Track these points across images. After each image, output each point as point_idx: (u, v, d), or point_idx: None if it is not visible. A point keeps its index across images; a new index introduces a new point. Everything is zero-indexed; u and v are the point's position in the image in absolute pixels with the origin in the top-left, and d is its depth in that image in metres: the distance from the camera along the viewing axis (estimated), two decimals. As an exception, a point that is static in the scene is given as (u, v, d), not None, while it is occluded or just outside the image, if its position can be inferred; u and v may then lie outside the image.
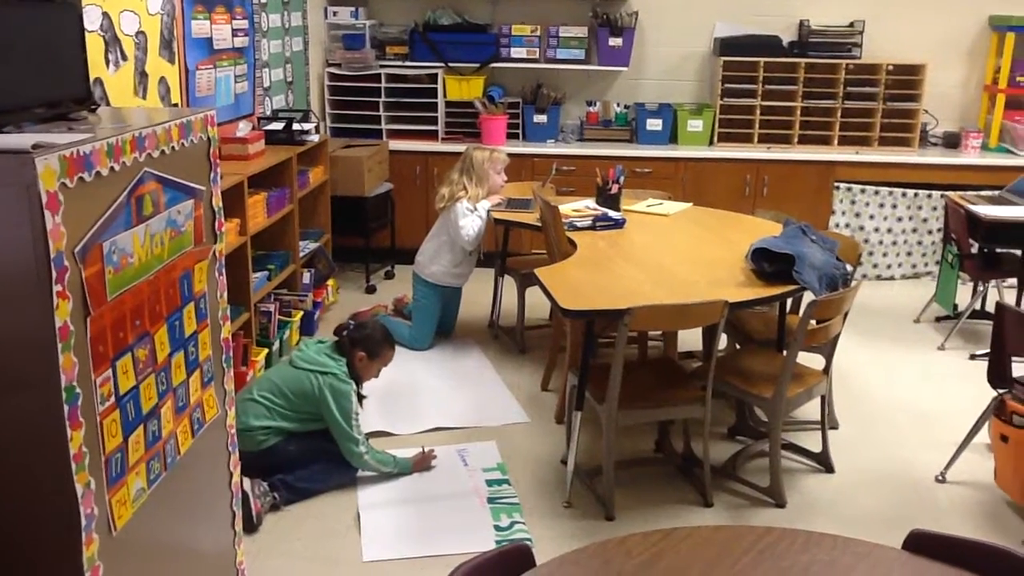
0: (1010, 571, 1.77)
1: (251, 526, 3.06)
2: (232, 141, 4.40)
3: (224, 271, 2.43)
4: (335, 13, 6.13)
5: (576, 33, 6.14)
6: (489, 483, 3.41)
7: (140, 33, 3.61)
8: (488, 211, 4.53)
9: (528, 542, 3.02)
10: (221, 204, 2.39)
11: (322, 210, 5.38)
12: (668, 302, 3.10)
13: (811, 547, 1.83)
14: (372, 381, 3.63)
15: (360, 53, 6.11)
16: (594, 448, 3.53)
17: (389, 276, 5.88)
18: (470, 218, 4.50)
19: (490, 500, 3.29)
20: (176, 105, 3.98)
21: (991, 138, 6.03)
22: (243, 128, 4.62)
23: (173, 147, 2.08)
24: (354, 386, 3.38)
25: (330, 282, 5.22)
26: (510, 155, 5.86)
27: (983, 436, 3.53)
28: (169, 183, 2.07)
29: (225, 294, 2.44)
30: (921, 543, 1.85)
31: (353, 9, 6.11)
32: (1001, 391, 3.32)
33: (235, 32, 4.61)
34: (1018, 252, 4.83)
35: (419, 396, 4.17)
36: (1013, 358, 3.33)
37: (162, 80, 3.83)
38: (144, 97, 3.68)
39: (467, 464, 3.55)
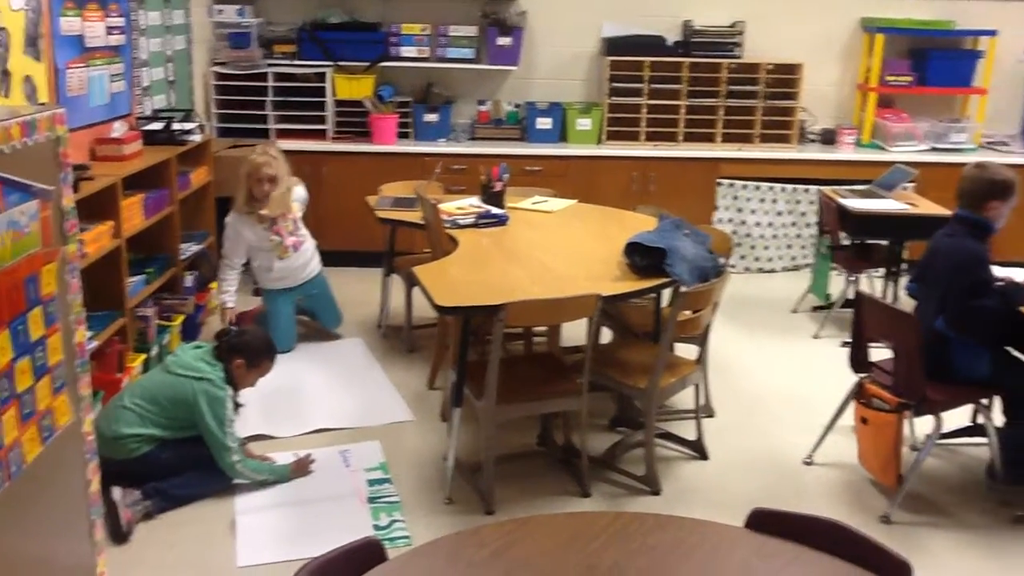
0: (843, 542, 1.85)
1: (121, 536, 2.99)
2: (107, 142, 4.28)
3: (78, 274, 2.36)
4: (220, 11, 6.01)
5: (466, 32, 6.17)
6: (370, 483, 3.40)
7: (1, 30, 3.48)
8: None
9: (406, 539, 3.04)
10: (73, 205, 2.33)
11: (206, 212, 5.28)
12: (544, 297, 3.15)
13: (658, 529, 1.89)
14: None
15: (247, 52, 6.01)
16: (477, 444, 3.56)
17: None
18: (232, 242, 4.60)
19: (370, 500, 3.28)
20: (43, 105, 3.85)
21: (864, 134, 6.28)
22: (119, 128, 4.50)
23: (14, 146, 2.02)
24: (230, 392, 3.33)
25: (213, 285, 5.12)
26: (401, 154, 5.90)
27: (848, 419, 3.67)
28: (9, 183, 2.01)
29: (80, 297, 2.37)
30: (762, 521, 1.93)
31: (239, 7, 6.01)
32: (861, 375, 3.48)
33: (110, 30, 4.48)
34: (886, 243, 5.04)
35: (303, 397, 4.13)
36: (871, 344, 3.48)
37: (27, 79, 3.70)
38: (7, 96, 3.55)
39: (349, 465, 3.53)
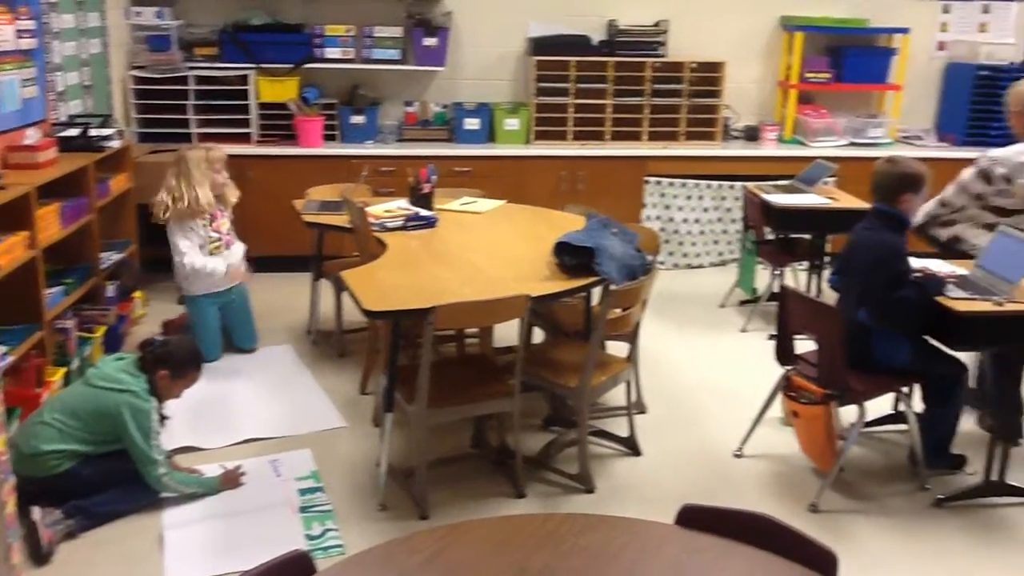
0: (771, 534, 1.88)
1: (41, 558, 2.89)
2: (19, 149, 4.14)
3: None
4: (138, 13, 5.86)
5: (391, 33, 6.12)
6: (302, 492, 3.35)
7: (-99, 34, 3.34)
8: (222, 272, 4.48)
9: (339, 548, 3.00)
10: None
11: (127, 219, 5.15)
12: (474, 299, 3.14)
13: (589, 530, 1.89)
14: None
15: (166, 55, 5.88)
16: (410, 448, 3.53)
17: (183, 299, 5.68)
18: (189, 243, 4.44)
19: (302, 509, 3.23)
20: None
21: (786, 131, 6.42)
22: (32, 135, 4.35)
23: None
24: (155, 404, 3.25)
25: (137, 294, 5.00)
26: (328, 157, 5.83)
27: (776, 411, 3.74)
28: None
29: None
30: (691, 516, 1.94)
31: (157, 9, 5.87)
32: (787, 368, 3.55)
33: (20, 33, 4.33)
34: (809, 237, 5.16)
35: (231, 406, 4.05)
36: (796, 336, 3.56)
37: (-70, 85, 3.56)
38: (-92, 104, 3.41)
39: (279, 474, 3.48)
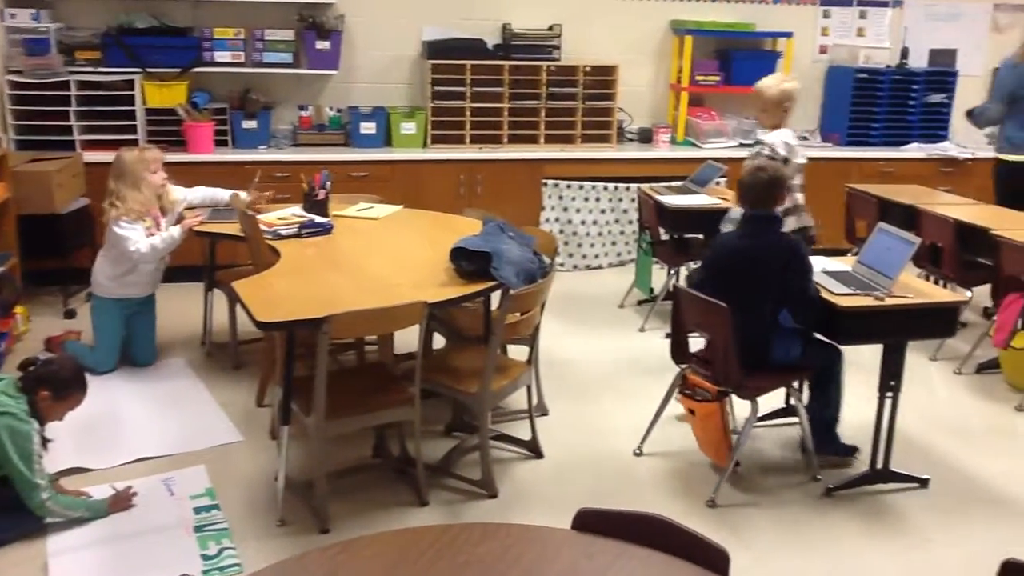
0: (666, 535, 1.91)
1: (-86, 593, 2.73)
2: None
3: None
4: (13, 15, 5.60)
5: (283, 36, 6.01)
6: (196, 511, 3.25)
7: None
8: (180, 233, 4.31)
9: (236, 567, 2.92)
10: None
11: (6, 231, 4.91)
12: (370, 307, 3.10)
13: (486, 539, 1.89)
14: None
15: (45, 59, 5.63)
16: (310, 461, 3.47)
17: (90, 297, 5.46)
18: (138, 232, 4.26)
19: (197, 529, 3.13)
20: None
21: (678, 133, 6.56)
22: None
23: None
24: (36, 425, 3.10)
25: (19, 309, 4.77)
26: (219, 163, 5.68)
27: (673, 408, 3.81)
28: None
29: None
30: (588, 521, 1.96)
31: (34, 11, 5.62)
32: (682, 366, 3.62)
33: None
34: (702, 237, 5.27)
35: (121, 424, 3.90)
36: (690, 335, 3.63)
37: None
38: None
39: (173, 493, 3.36)
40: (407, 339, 4.01)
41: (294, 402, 3.19)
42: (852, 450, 3.78)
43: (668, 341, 4.04)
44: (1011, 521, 3.39)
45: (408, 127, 6.13)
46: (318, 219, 4.19)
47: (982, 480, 3.68)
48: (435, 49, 6.15)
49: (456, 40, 6.21)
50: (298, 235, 4.03)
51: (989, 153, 6.12)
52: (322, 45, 6.00)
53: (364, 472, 3.60)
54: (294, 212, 4.31)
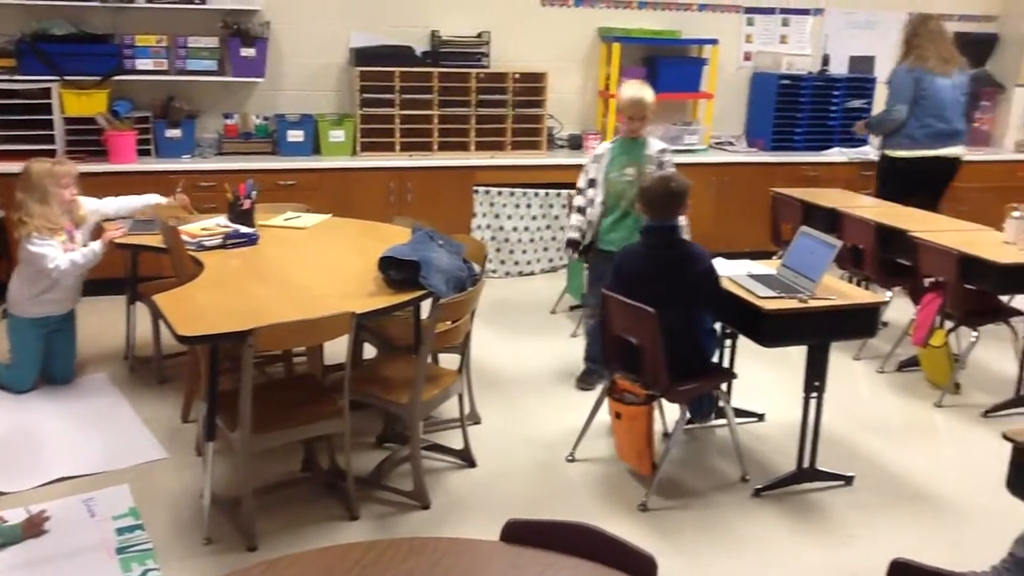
0: (594, 544, 1.91)
1: None
2: None
3: None
4: (-79, 22, 5.40)
5: (206, 44, 5.90)
6: (119, 531, 3.15)
7: None
8: (100, 247, 4.19)
9: (161, 589, 2.85)
10: None
11: (-86, 246, 4.72)
12: (296, 319, 3.05)
13: (414, 554, 1.86)
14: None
15: (-46, 66, 5.44)
16: (236, 477, 3.39)
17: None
18: (54, 248, 4.12)
19: (119, 550, 3.04)
20: None
21: (607, 139, 6.58)
22: None
23: None
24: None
25: (-72, 328, 4.58)
26: (142, 173, 5.55)
27: (605, 414, 3.83)
28: None
29: None
30: (516, 531, 1.95)
31: (-59, 18, 5.43)
32: (612, 371, 3.64)
33: None
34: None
35: (40, 444, 3.77)
36: (620, 340, 3.65)
37: None
38: None
39: (94, 514, 3.26)
40: (337, 350, 3.95)
41: (219, 417, 3.12)
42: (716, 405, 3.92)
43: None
44: (931, 515, 3.48)
45: (336, 135, 6.07)
46: (243, 229, 4.11)
47: (904, 476, 3.78)
48: (363, 56, 6.10)
49: (384, 47, 6.17)
50: (223, 246, 3.95)
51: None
52: (247, 52, 5.91)
53: (293, 487, 3.54)
54: (219, 222, 4.22)
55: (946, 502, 3.57)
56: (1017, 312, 4.58)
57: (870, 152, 6.90)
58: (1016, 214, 4.49)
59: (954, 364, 4.59)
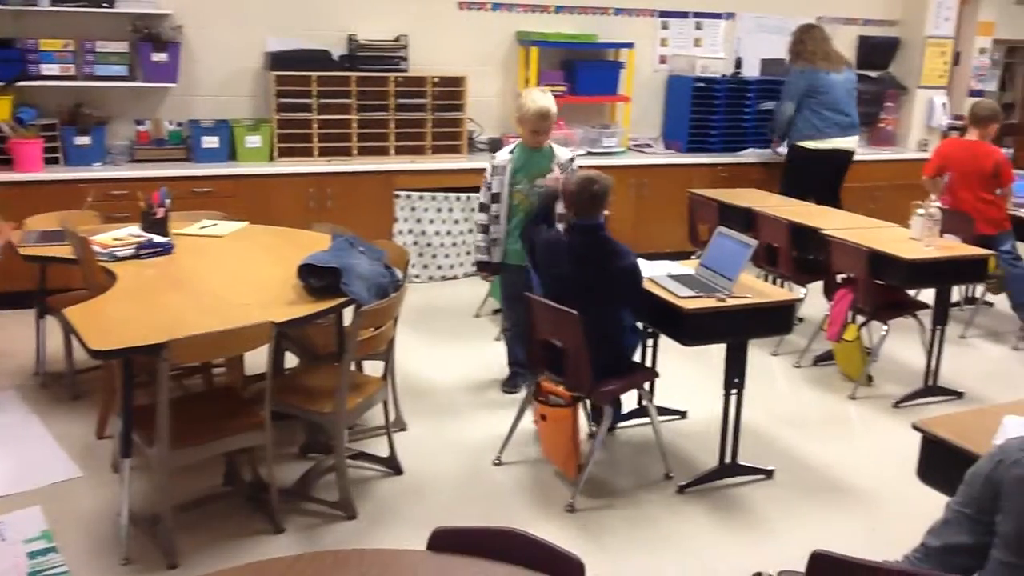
0: (520, 548, 1.92)
1: None
2: None
3: None
4: None
5: (116, 48, 5.73)
6: (31, 555, 3.03)
7: None
8: None
9: (77, 612, 2.76)
10: None
11: None
12: (213, 330, 2.98)
13: (339, 567, 1.84)
14: None
15: None
16: (155, 494, 3.30)
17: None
18: None
19: None
20: None
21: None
22: None
23: None
24: None
25: None
26: (50, 182, 5.36)
27: (530, 416, 3.85)
28: None
29: None
30: (443, 540, 1.94)
31: None
32: (538, 374, 3.66)
33: None
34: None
35: (-56, 468, 3.62)
36: (545, 343, 3.67)
37: None
38: None
39: (4, 538, 3.13)
40: (257, 360, 3.89)
41: (135, 433, 3.04)
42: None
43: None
44: (848, 505, 3.59)
45: (253, 140, 5.96)
46: (157, 239, 4.01)
47: (821, 467, 3.89)
48: (279, 60, 6.01)
49: (301, 51, 6.09)
50: (136, 256, 3.85)
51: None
52: (159, 57, 5.77)
53: (215, 501, 3.46)
54: (131, 232, 4.11)
55: (862, 491, 3.69)
56: (924, 305, 4.76)
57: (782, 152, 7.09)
58: (921, 211, 4.66)
59: (866, 357, 4.74)
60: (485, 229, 4.34)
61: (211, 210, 4.80)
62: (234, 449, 3.30)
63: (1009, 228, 5.51)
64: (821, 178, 6.47)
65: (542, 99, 4.30)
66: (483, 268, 4.42)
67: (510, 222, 4.31)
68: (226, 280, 3.65)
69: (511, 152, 4.38)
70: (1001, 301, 5.94)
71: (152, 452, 2.98)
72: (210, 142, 5.90)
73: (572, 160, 4.36)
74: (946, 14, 7.69)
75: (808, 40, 6.44)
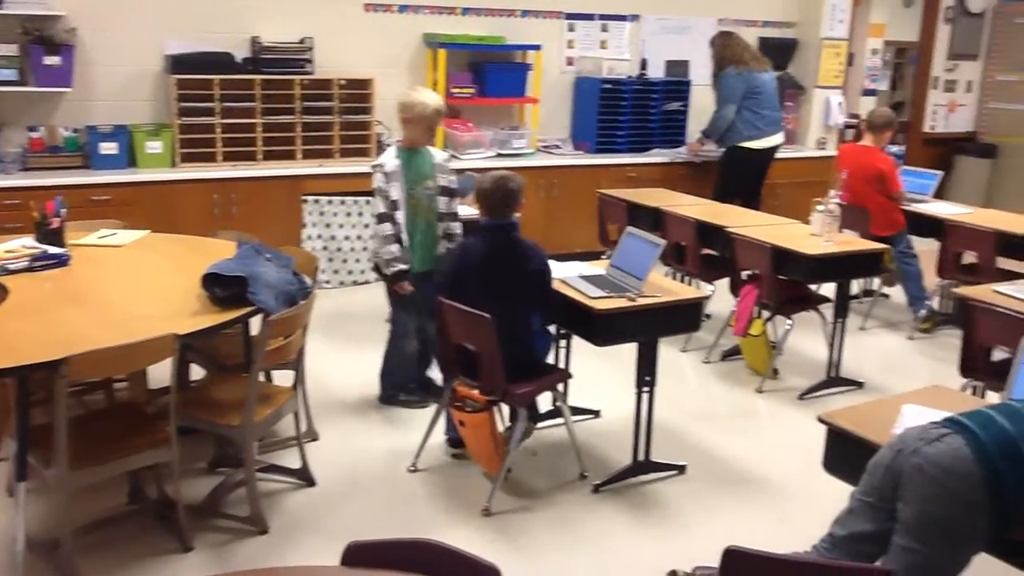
0: (435, 559, 1.90)
1: None
2: None
3: None
4: None
5: (5, 51, 5.49)
6: (-80, 587, 2.89)
7: None
8: None
9: (-29, 646, 2.62)
10: None
11: None
12: (113, 344, 2.87)
13: (250, 586, 1.80)
14: None
15: None
16: (55, 517, 3.17)
17: None
18: None
19: (-79, 607, 2.79)
20: None
21: (438, 144, 6.58)
22: None
23: None
24: None
25: None
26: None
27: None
28: None
29: None
30: (357, 555, 1.91)
31: None
32: (450, 379, 3.64)
33: None
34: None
35: None
36: (459, 347, 3.66)
37: None
38: None
39: None
40: (161, 373, 3.77)
41: (32, 454, 2.91)
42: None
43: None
44: (757, 497, 3.67)
45: (154, 146, 5.79)
46: (52, 250, 3.85)
47: (731, 460, 3.97)
48: (179, 64, 5.84)
49: (202, 54, 5.94)
50: (29, 268, 3.68)
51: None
52: (52, 60, 5.55)
53: (120, 522, 3.34)
54: (24, 243, 3.93)
55: (770, 483, 3.78)
56: (825, 299, 4.91)
57: (684, 152, 7.22)
58: (820, 208, 4.80)
59: (772, 351, 4.87)
60: (397, 239, 4.12)
61: (110, 219, 4.63)
62: (138, 467, 3.19)
63: (904, 227, 5.74)
64: (754, 177, 6.74)
65: (435, 97, 4.23)
66: (402, 277, 4.13)
67: (413, 227, 4.22)
68: (127, 291, 3.53)
69: (396, 156, 4.22)
70: (897, 293, 6.18)
71: (50, 474, 2.86)
72: (108, 148, 5.70)
73: (448, 160, 4.35)
74: (840, 16, 7.96)
75: (732, 45, 6.65)
